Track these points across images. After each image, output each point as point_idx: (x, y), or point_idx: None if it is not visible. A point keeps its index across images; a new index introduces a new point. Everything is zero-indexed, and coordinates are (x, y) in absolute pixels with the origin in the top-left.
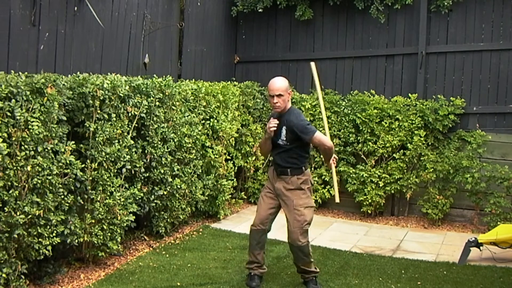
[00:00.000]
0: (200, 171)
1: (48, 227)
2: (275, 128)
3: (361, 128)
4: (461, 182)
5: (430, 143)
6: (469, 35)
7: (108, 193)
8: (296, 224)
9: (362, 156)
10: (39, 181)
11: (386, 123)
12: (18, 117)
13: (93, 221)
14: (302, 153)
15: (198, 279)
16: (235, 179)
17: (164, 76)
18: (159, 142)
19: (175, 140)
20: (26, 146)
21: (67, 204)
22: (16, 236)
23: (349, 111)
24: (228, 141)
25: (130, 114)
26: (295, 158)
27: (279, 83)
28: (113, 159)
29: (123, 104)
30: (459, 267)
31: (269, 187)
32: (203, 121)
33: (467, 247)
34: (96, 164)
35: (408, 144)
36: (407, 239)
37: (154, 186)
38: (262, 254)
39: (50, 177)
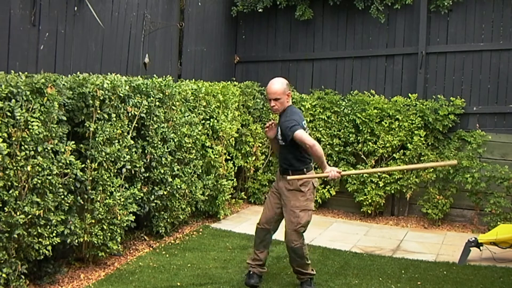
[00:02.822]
0: (200, 171)
1: (48, 227)
2: (267, 129)
3: (361, 128)
4: (461, 182)
5: (430, 143)
6: (469, 35)
7: (108, 193)
8: (290, 225)
9: (362, 156)
10: (39, 181)
11: (386, 123)
12: (18, 117)
13: (93, 221)
14: (298, 154)
15: (198, 279)
16: (235, 179)
17: (164, 76)
18: (159, 142)
19: (175, 140)
20: (26, 146)
21: (67, 204)
22: (16, 236)
23: (349, 111)
24: (228, 141)
25: (130, 114)
26: (292, 158)
27: (275, 87)
28: (113, 159)
29: (123, 104)
30: (459, 267)
31: (275, 187)
32: (203, 121)
33: (467, 247)
34: (96, 164)
35: (408, 144)
36: (407, 239)
37: (154, 186)
38: (265, 253)
39: (50, 177)
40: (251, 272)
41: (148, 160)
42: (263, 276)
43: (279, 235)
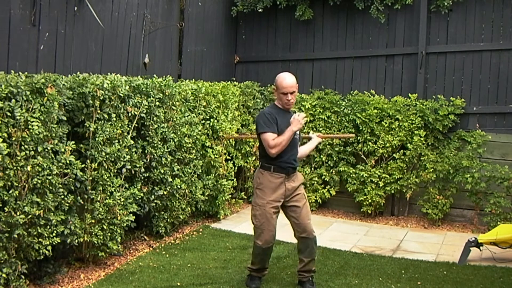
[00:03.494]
0: (200, 171)
1: (48, 227)
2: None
3: (361, 128)
4: (461, 182)
5: (430, 143)
6: (469, 35)
7: (108, 193)
8: (309, 215)
9: (362, 156)
10: (39, 181)
11: (386, 123)
12: (18, 117)
13: (93, 221)
14: None
15: (198, 279)
16: (235, 179)
17: (164, 76)
18: (159, 142)
19: (175, 140)
20: (26, 146)
21: (67, 204)
22: (16, 236)
23: (349, 111)
24: (228, 141)
25: (130, 114)
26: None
27: (292, 80)
28: (113, 159)
29: (123, 104)
30: (459, 267)
31: (271, 200)
32: (203, 121)
33: (467, 247)
34: (96, 164)
35: (408, 144)
36: (407, 239)
37: (154, 186)
38: (268, 260)
39: (50, 177)
40: (254, 275)
41: (148, 160)
42: (263, 277)
43: (280, 234)
